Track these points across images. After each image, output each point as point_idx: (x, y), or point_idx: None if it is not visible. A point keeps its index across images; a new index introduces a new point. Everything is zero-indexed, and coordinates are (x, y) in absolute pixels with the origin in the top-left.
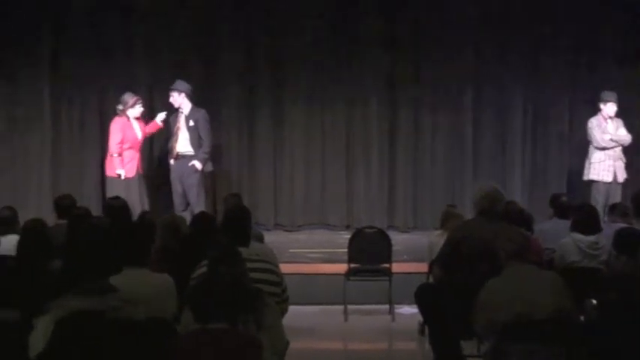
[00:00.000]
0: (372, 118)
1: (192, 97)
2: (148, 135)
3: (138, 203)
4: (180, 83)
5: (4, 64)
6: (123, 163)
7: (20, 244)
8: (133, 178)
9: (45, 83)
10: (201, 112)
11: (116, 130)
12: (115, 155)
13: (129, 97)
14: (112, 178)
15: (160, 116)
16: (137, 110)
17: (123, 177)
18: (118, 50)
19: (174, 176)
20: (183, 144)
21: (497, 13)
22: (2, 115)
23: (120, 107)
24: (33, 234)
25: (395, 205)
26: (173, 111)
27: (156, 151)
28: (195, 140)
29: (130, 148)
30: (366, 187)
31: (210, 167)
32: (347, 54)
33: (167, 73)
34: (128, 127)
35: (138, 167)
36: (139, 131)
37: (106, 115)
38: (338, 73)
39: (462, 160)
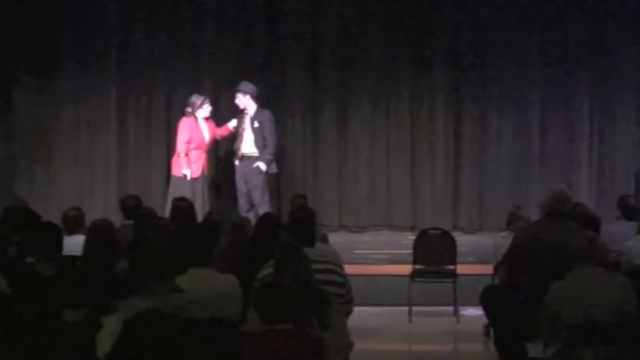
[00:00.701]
0: (437, 119)
1: (257, 99)
2: (218, 137)
3: (202, 204)
4: (245, 85)
5: (70, 62)
6: (189, 163)
7: (87, 245)
8: (198, 178)
9: (111, 82)
10: (266, 114)
11: (184, 130)
12: (182, 155)
13: (196, 99)
14: (178, 178)
15: (233, 123)
16: (206, 110)
17: (189, 177)
18: (184, 50)
19: (238, 177)
20: (248, 145)
21: (561, 13)
22: (68, 114)
23: (189, 110)
24: (99, 234)
25: (460, 207)
26: (239, 112)
27: (221, 151)
28: (260, 141)
29: (196, 148)
30: (430, 188)
31: (274, 168)
32: (412, 53)
33: (232, 73)
34: (195, 128)
35: (204, 168)
36: (206, 132)
37: (173, 113)
38: (403, 72)
39: (528, 161)
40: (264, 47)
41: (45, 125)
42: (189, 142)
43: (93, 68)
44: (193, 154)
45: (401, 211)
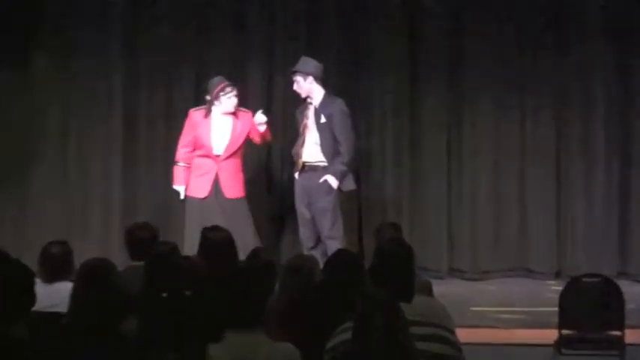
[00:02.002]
0: (594, 125)
1: (324, 81)
2: (261, 143)
3: None
4: (305, 62)
5: (61, 36)
6: (187, 177)
7: (75, 296)
8: (207, 199)
9: (115, 63)
10: (337, 103)
11: (185, 128)
12: (181, 164)
13: (217, 82)
14: (189, 198)
15: (259, 117)
16: (226, 103)
17: (182, 196)
18: (221, 20)
19: (299, 197)
20: (311, 150)
21: None
22: (56, 108)
23: (207, 97)
24: (94, 281)
25: (629, 245)
26: (299, 102)
27: (274, 159)
28: (329, 144)
29: (204, 155)
30: (585, 218)
31: (351, 185)
32: (558, 37)
33: (293, 46)
34: (203, 126)
35: (228, 186)
36: (225, 134)
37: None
38: (541, 62)
39: None
40: (341, 15)
41: (23, 126)
42: (190, 147)
43: (91, 45)
44: (199, 163)
45: (541, 250)
